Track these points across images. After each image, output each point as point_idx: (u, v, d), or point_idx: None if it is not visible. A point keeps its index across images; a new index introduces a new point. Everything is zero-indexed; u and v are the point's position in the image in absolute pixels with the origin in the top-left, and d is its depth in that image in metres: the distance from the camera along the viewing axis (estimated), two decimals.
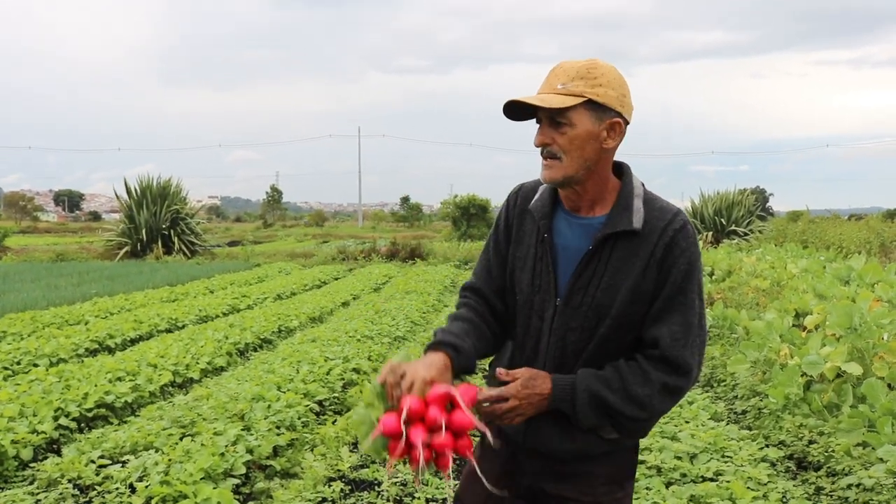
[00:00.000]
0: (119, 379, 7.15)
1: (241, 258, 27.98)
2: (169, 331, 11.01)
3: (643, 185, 2.04)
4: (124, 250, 28.65)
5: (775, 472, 4.78)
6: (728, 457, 4.85)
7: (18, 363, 8.14)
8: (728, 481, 4.34)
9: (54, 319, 11.40)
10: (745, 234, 27.58)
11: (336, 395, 7.09)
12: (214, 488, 4.42)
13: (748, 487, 4.27)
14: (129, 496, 4.39)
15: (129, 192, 30.40)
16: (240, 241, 40.13)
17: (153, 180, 30.43)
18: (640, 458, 4.80)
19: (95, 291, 15.29)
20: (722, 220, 28.88)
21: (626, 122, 1.95)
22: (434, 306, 14.12)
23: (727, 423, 5.74)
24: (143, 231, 29.06)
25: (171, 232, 29.57)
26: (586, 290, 1.97)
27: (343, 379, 7.51)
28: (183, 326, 11.29)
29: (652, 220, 1.96)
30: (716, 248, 22.80)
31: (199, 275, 20.23)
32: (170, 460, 4.77)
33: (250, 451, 5.09)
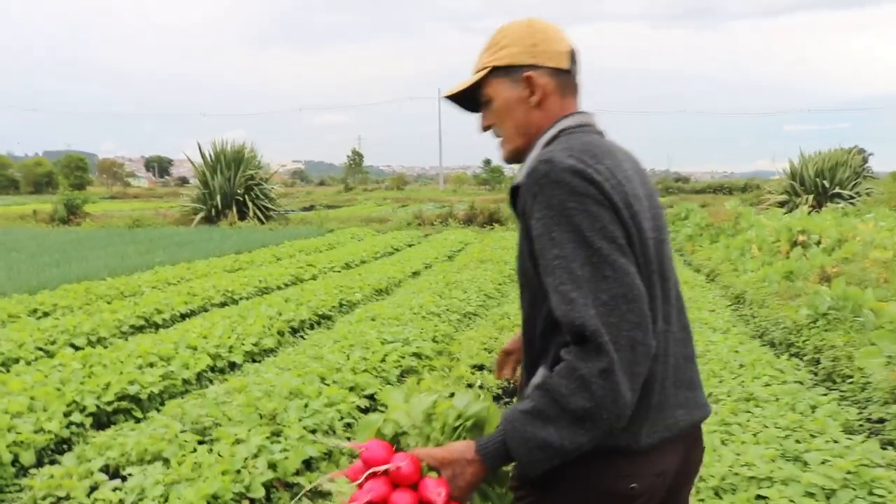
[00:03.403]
0: (150, 365, 6.42)
1: (314, 223, 27.41)
2: (224, 304, 10.31)
3: (564, 129, 1.72)
4: (200, 216, 28.43)
5: None
6: (878, 496, 3.69)
7: (54, 342, 7.51)
8: None
9: (109, 291, 10.85)
10: (852, 198, 25.45)
11: (390, 385, 6.20)
12: None
13: None
14: None
15: (203, 157, 30.10)
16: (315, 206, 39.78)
17: (227, 145, 30.05)
18: (761, 492, 3.72)
19: (159, 260, 14.81)
20: (824, 182, 26.70)
21: (556, 70, 1.75)
22: (510, 276, 13.08)
23: (865, 438, 4.56)
24: (218, 196, 28.77)
25: (246, 197, 29.20)
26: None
27: (400, 366, 6.63)
28: (239, 300, 10.58)
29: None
30: (818, 212, 20.95)
31: (269, 241, 19.66)
32: (173, 480, 3.94)
33: (273, 467, 4.23)
